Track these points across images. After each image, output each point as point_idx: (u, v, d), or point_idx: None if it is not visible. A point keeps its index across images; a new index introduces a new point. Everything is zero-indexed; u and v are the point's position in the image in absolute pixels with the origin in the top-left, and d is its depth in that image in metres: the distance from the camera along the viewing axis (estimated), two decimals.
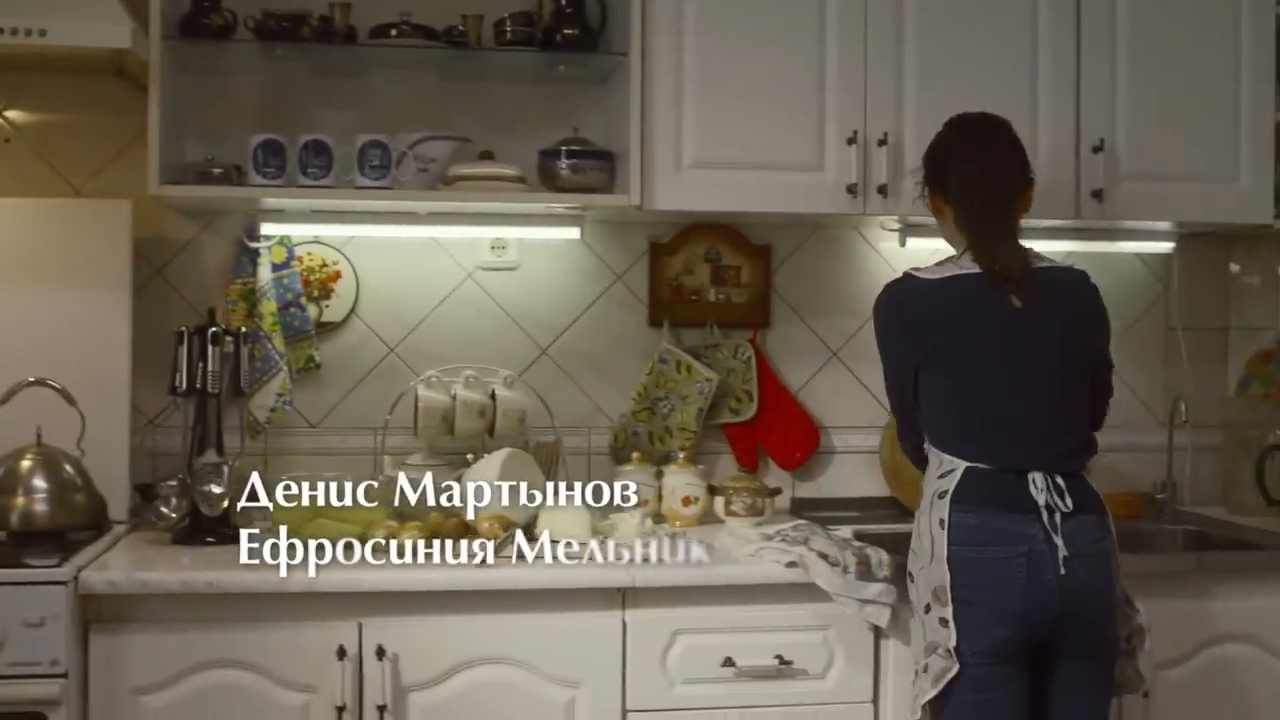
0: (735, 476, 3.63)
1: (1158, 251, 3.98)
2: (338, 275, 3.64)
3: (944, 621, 2.65)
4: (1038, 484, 2.70)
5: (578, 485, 3.35)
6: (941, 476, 2.75)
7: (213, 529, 3.18)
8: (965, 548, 2.67)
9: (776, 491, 3.62)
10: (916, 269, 2.87)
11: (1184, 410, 3.85)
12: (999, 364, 2.75)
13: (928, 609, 2.70)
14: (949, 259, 2.87)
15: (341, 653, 2.87)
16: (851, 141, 3.35)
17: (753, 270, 3.79)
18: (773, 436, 3.78)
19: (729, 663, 3.01)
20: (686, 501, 3.53)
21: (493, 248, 3.68)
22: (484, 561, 2.96)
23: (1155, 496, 3.88)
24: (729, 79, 3.34)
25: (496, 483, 3.18)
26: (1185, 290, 4.04)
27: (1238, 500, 3.86)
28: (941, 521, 2.69)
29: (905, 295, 2.84)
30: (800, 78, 3.35)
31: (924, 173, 2.96)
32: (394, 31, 3.41)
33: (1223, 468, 3.98)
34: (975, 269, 2.79)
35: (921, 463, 2.88)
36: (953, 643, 2.64)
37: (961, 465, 2.72)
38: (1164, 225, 3.75)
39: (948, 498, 2.71)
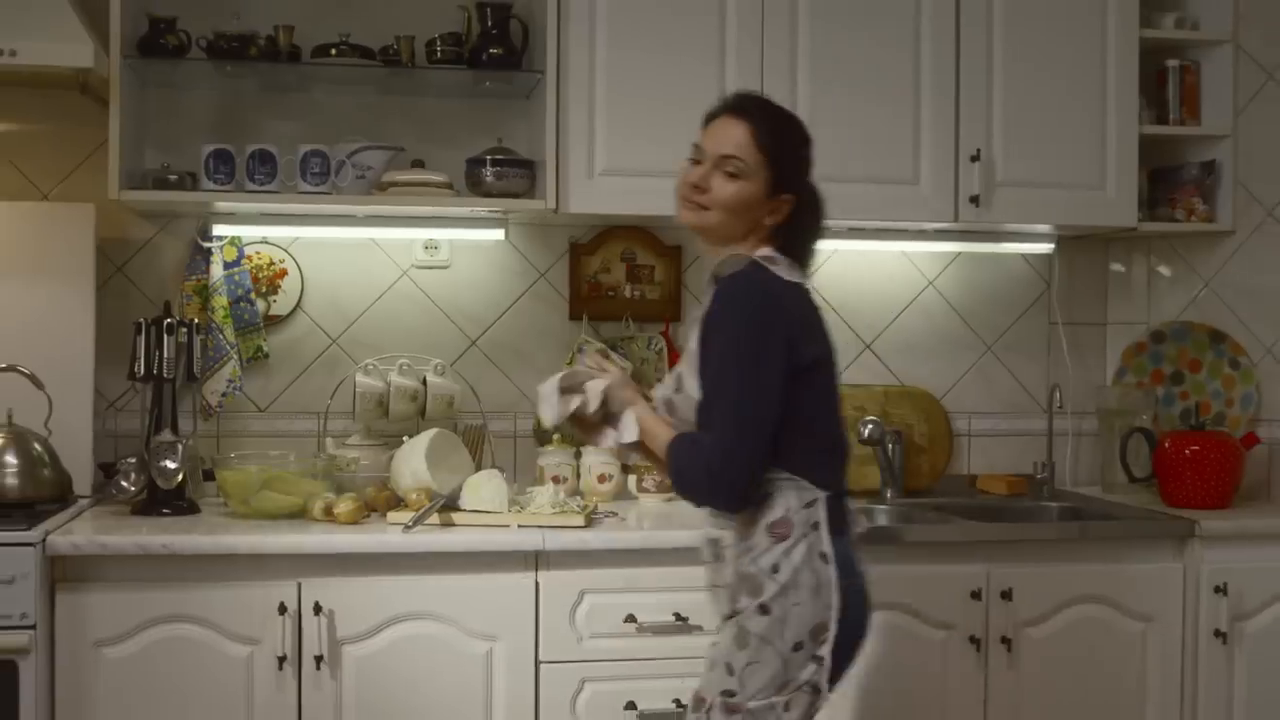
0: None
1: (1040, 252, 4.33)
2: (284, 273, 3.96)
3: (819, 659, 2.58)
4: (852, 509, 2.73)
5: (501, 464, 3.70)
6: (807, 506, 2.60)
7: (168, 501, 3.51)
8: (850, 580, 2.62)
9: None
10: (770, 262, 2.67)
11: (1059, 397, 4.22)
12: (837, 386, 2.72)
13: (798, 647, 2.57)
14: (777, 262, 2.68)
15: (282, 609, 3.21)
16: None
17: (665, 269, 4.13)
18: None
19: (631, 619, 3.35)
20: (602, 479, 3.87)
21: (426, 248, 4.01)
22: (410, 527, 3.31)
23: (1036, 477, 4.23)
24: (636, 94, 3.67)
25: (423, 459, 3.51)
26: (1066, 288, 4.39)
27: (1110, 479, 4.21)
28: (824, 555, 2.59)
29: (782, 294, 2.63)
30: (701, 91, 3.66)
31: (779, 164, 2.68)
32: (334, 51, 3.75)
33: (1099, 450, 4.33)
34: (803, 280, 2.71)
35: (745, 491, 2.60)
36: (824, 679, 2.59)
37: (822, 494, 2.62)
38: (1042, 228, 4.10)
39: (823, 529, 2.60)
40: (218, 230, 3.85)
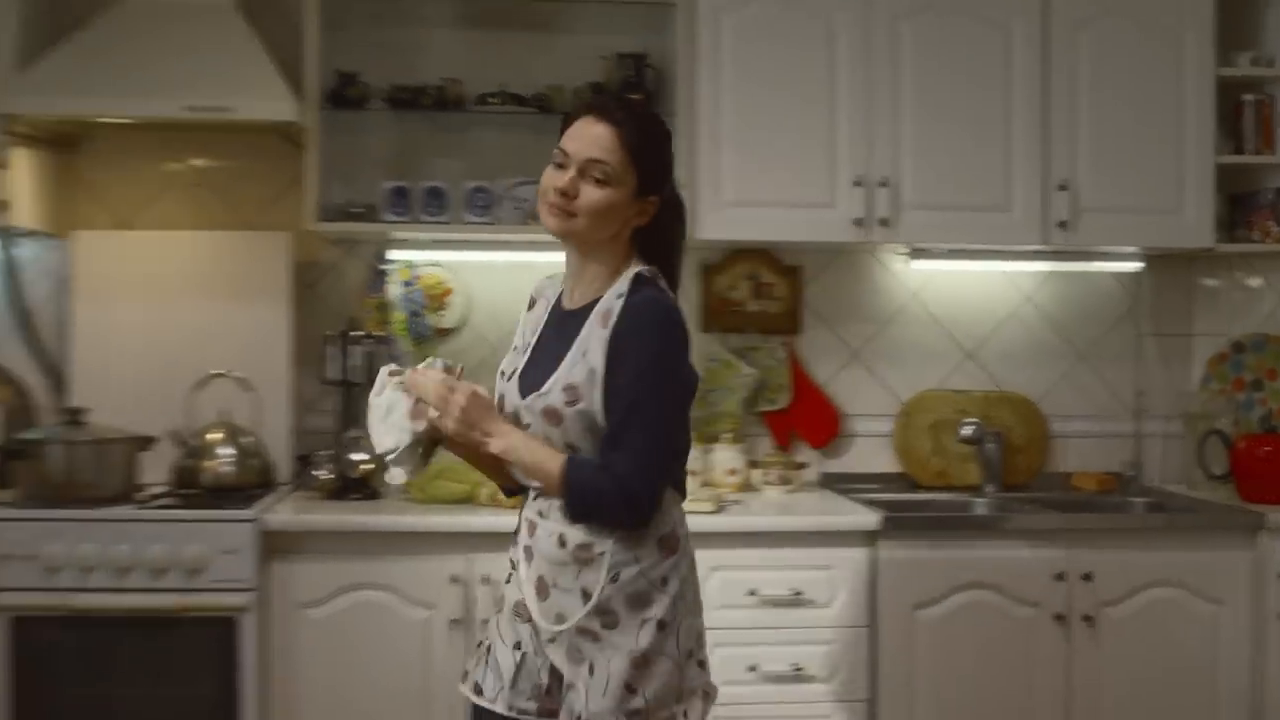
0: (770, 453, 4.49)
1: (1128, 270, 4.74)
2: (451, 291, 4.53)
3: (702, 664, 2.67)
4: None
5: None
6: (681, 520, 2.67)
7: (356, 488, 4.09)
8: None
9: (804, 465, 4.48)
10: (657, 278, 2.65)
11: (1144, 402, 4.64)
12: None
13: (690, 655, 2.63)
14: (651, 277, 2.64)
15: (454, 579, 3.77)
16: (857, 184, 4.18)
17: (786, 286, 4.62)
18: (803, 421, 4.61)
19: (753, 593, 3.86)
20: (730, 472, 4.37)
21: None
22: None
23: (1124, 475, 4.65)
24: (758, 132, 4.17)
25: None
26: (1154, 302, 4.79)
27: (1193, 478, 4.62)
28: (693, 565, 2.69)
29: (680, 315, 2.62)
30: (816, 132, 4.18)
31: (645, 166, 2.62)
32: (494, 99, 4.31)
33: (1184, 451, 4.74)
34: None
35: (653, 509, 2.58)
36: (710, 678, 2.69)
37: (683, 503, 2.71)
38: (1127, 248, 4.52)
39: (689, 541, 2.69)
40: (394, 255, 4.43)
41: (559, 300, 2.76)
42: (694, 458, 4.29)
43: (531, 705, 2.67)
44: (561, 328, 2.67)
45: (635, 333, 2.53)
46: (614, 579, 2.57)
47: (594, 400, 2.53)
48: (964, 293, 4.70)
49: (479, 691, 2.71)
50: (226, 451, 4.05)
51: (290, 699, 3.77)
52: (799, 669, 3.84)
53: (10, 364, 4.38)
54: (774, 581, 3.86)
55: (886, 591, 3.89)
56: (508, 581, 2.75)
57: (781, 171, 4.17)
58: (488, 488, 3.97)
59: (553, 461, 2.56)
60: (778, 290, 4.62)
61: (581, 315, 2.63)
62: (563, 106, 4.32)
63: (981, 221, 4.25)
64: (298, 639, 3.77)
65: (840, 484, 4.54)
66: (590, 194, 2.59)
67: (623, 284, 2.61)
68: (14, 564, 3.68)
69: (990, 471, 4.53)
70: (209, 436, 4.10)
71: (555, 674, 2.65)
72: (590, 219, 2.60)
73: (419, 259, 4.47)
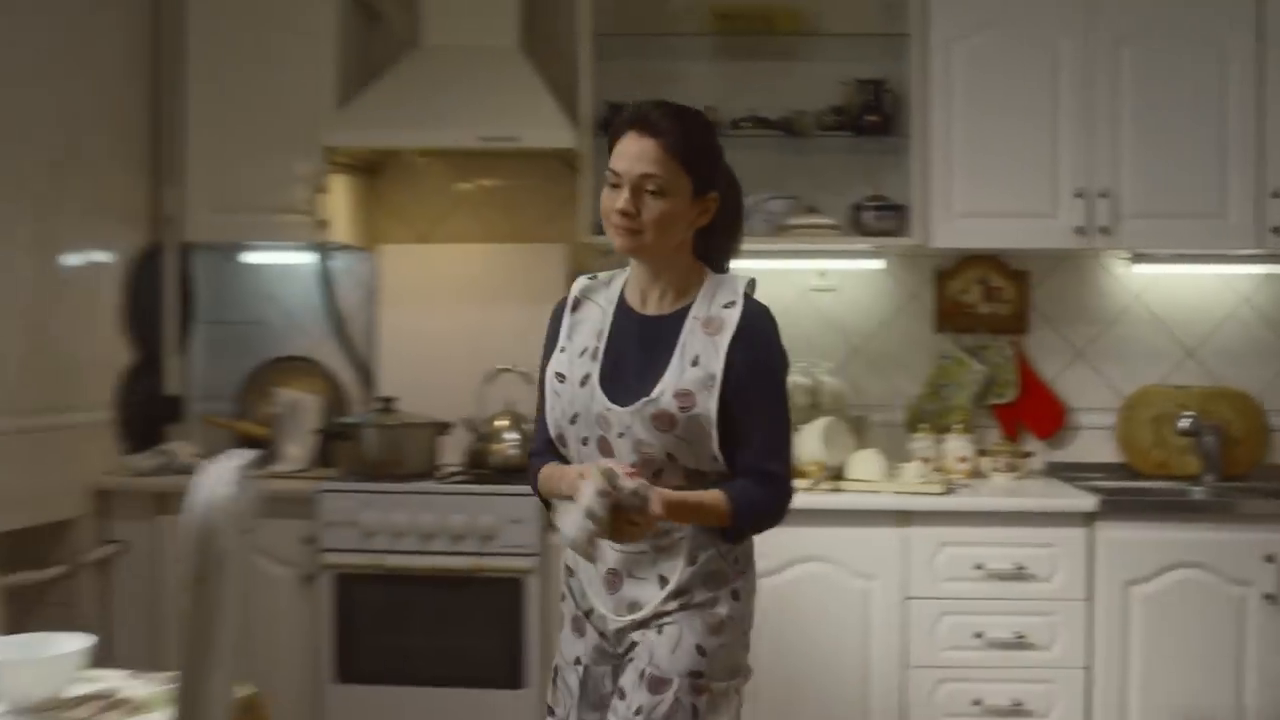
0: (998, 443, 4.87)
1: None
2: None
3: (747, 646, 2.83)
4: None
5: (878, 445, 4.67)
6: None
7: None
8: None
9: (1030, 454, 4.85)
10: (753, 286, 2.80)
11: None
12: None
13: (746, 633, 2.80)
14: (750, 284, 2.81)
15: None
16: (1079, 195, 4.54)
17: (1015, 289, 5.00)
18: (1029, 414, 4.98)
19: (979, 567, 4.26)
20: (960, 460, 4.77)
21: (819, 275, 5.01)
22: (809, 490, 4.32)
23: None
24: (986, 151, 4.57)
25: (820, 440, 4.51)
26: None
27: None
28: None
29: None
30: (1039, 149, 4.56)
31: (696, 167, 2.72)
32: (745, 123, 4.81)
33: None
34: None
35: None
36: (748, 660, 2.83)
37: None
38: None
39: None
40: None
41: (625, 305, 2.80)
42: (927, 446, 4.75)
43: (597, 716, 2.77)
44: (646, 334, 2.74)
45: (763, 344, 2.68)
46: (692, 562, 2.69)
47: (709, 406, 2.62)
48: (1184, 294, 4.99)
49: (552, 713, 2.84)
50: (512, 436, 4.63)
51: None
52: (1021, 637, 4.23)
53: (327, 361, 5.08)
54: (998, 557, 4.25)
55: (1103, 568, 4.24)
56: (562, 599, 2.88)
57: (1007, 185, 4.56)
58: None
59: (713, 500, 2.63)
60: (1006, 293, 5.00)
61: (673, 322, 2.72)
62: (805, 129, 4.80)
63: (1198, 228, 4.56)
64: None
65: (1064, 472, 4.88)
66: (651, 208, 2.65)
67: (725, 293, 2.72)
68: (337, 530, 4.33)
69: (1209, 462, 4.82)
70: (496, 423, 4.68)
71: (617, 680, 2.75)
72: (656, 232, 2.66)
73: None
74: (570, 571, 2.82)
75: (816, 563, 4.28)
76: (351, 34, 4.87)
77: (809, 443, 4.50)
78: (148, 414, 4.95)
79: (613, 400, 2.67)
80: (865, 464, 4.47)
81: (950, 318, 5.01)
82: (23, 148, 4.22)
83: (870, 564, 4.28)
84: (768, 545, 4.21)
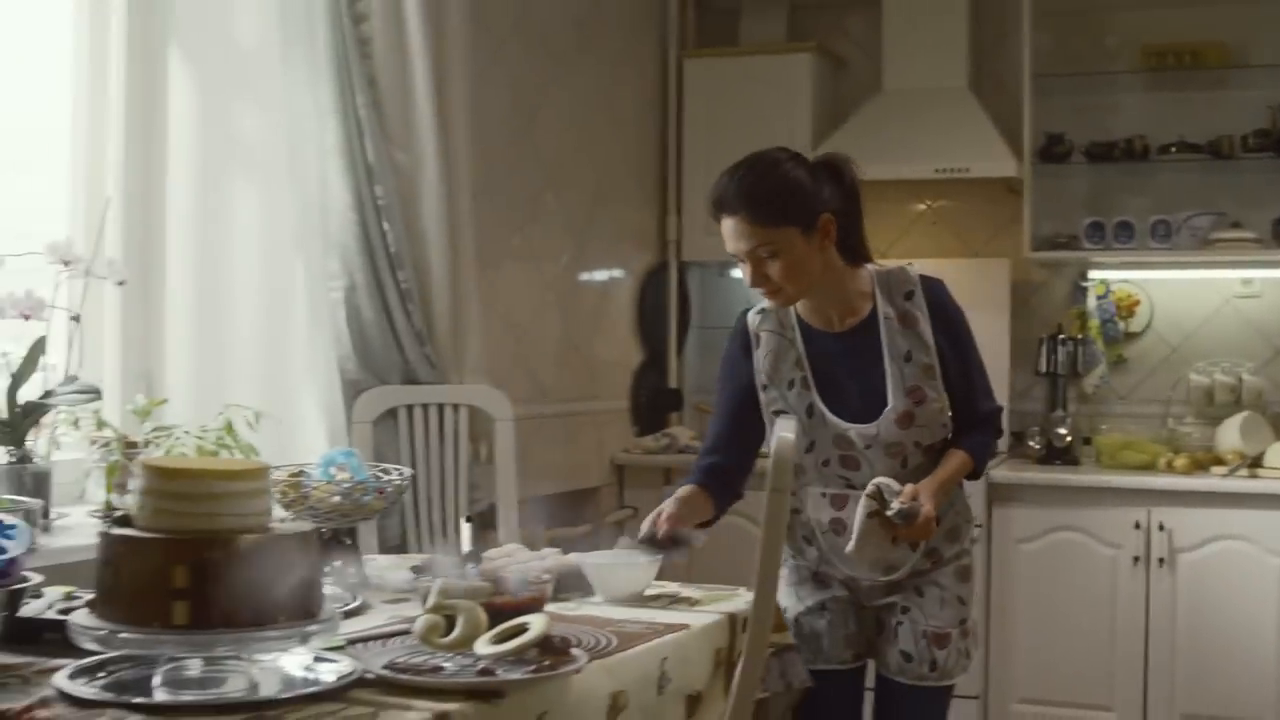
0: None
1: None
2: (1138, 303, 5.61)
3: None
4: None
5: None
6: None
7: (1059, 455, 5.29)
8: None
9: None
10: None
11: None
12: None
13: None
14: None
15: (1136, 525, 4.90)
16: None
17: None
18: None
19: None
20: None
21: (1242, 283, 5.50)
22: (1227, 475, 4.87)
23: None
24: None
25: (1237, 432, 5.04)
26: None
27: None
28: None
29: None
30: None
31: (791, 214, 2.83)
32: (1173, 149, 5.38)
33: None
34: None
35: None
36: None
37: None
38: None
39: None
40: (1091, 274, 5.59)
41: (810, 330, 2.98)
42: None
43: (848, 654, 3.09)
44: (847, 349, 2.96)
45: (952, 315, 2.98)
46: (937, 522, 2.89)
47: (938, 389, 2.92)
48: None
49: (807, 661, 2.99)
50: None
51: (1005, 610, 5.05)
52: None
53: None
54: None
55: None
56: (794, 556, 3.10)
57: None
58: (1164, 457, 5.06)
59: (959, 464, 2.96)
60: None
61: (866, 330, 2.95)
62: (1231, 151, 5.31)
63: None
64: (1013, 566, 5.04)
65: None
66: (774, 268, 2.82)
67: (898, 285, 2.95)
68: None
69: None
70: None
71: (863, 621, 3.08)
72: (794, 282, 2.84)
73: (1112, 277, 5.60)
74: (806, 540, 3.05)
75: (1235, 540, 4.82)
76: (822, 82, 5.75)
77: (1228, 434, 5.05)
78: (654, 403, 5.97)
79: (850, 420, 2.92)
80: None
81: None
82: (567, 190, 5.30)
83: None
84: (1189, 524, 4.84)
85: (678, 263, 6.03)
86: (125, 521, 2.15)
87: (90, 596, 2.18)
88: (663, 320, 6.03)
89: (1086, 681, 4.95)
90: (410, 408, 4.07)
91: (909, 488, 2.83)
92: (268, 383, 3.73)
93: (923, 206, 5.90)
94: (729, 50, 5.94)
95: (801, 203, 2.83)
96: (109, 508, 3.24)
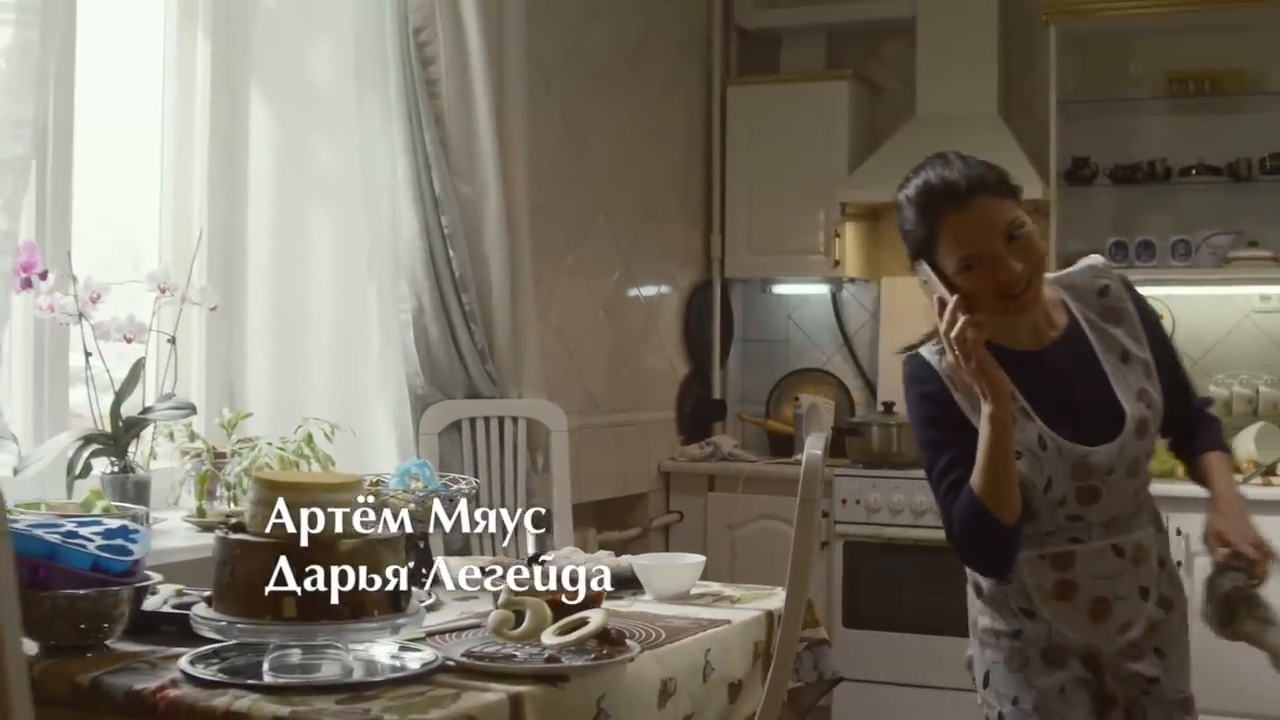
0: None
1: None
2: (1161, 317, 5.84)
3: None
4: None
5: None
6: None
7: None
8: None
9: None
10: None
11: None
12: None
13: None
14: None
15: None
16: None
17: None
18: None
19: None
20: None
21: (1261, 299, 5.76)
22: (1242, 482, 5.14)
23: None
24: None
25: (1252, 440, 5.30)
26: None
27: None
28: None
29: None
30: None
31: (1009, 176, 2.54)
32: (1193, 170, 5.64)
33: None
34: None
35: None
36: None
37: None
38: None
39: None
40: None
41: (1005, 353, 2.50)
42: None
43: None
44: (1053, 366, 2.57)
45: (1147, 305, 2.65)
46: (1162, 565, 2.66)
47: (1158, 387, 2.58)
48: None
49: None
50: None
51: None
52: None
53: (838, 372, 6.27)
54: None
55: None
56: (1012, 636, 2.65)
57: None
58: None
59: (1227, 470, 2.70)
60: None
61: (1072, 337, 2.58)
62: (1249, 173, 5.57)
63: None
64: None
65: None
66: (1027, 252, 2.44)
67: (1084, 280, 2.64)
68: (848, 506, 5.50)
69: None
70: None
71: (1105, 699, 2.65)
72: (1038, 270, 2.49)
73: None
74: (1026, 613, 2.63)
75: None
76: (859, 108, 6.05)
77: (1244, 443, 5.31)
78: (698, 413, 6.28)
79: (1097, 441, 2.51)
80: None
81: None
82: (617, 211, 5.63)
83: None
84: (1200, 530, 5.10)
85: (721, 279, 6.34)
86: (239, 528, 2.47)
87: (204, 593, 2.50)
88: (707, 334, 6.34)
89: None
90: (473, 420, 4.39)
91: (1213, 535, 2.58)
92: (342, 397, 4.08)
93: None
94: (770, 78, 6.26)
95: (1007, 172, 2.54)
96: (201, 513, 3.58)
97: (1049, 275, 2.62)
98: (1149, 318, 2.64)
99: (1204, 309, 5.82)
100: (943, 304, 2.45)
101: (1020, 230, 2.45)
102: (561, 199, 5.24)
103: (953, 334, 2.41)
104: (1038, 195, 5.52)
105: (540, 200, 4.86)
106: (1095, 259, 2.72)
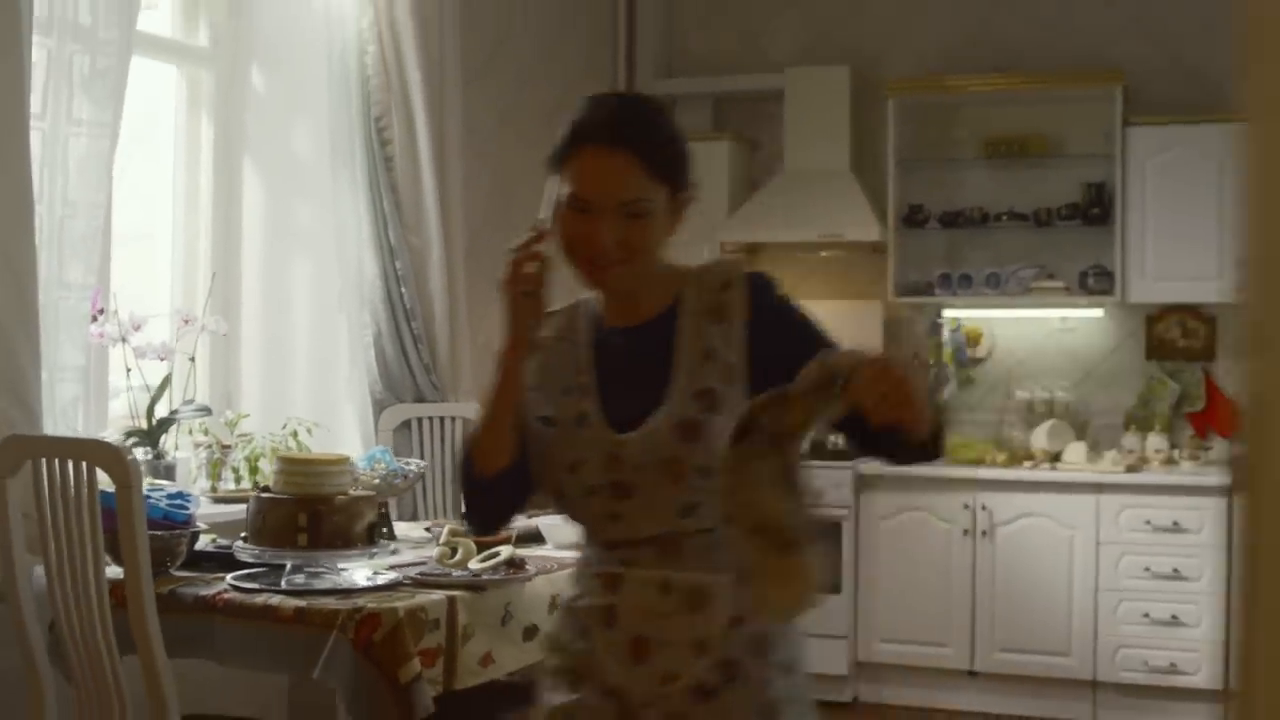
0: (1189, 440, 6.84)
1: None
2: (982, 335, 7.18)
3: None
4: None
5: None
6: None
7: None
8: None
9: (1209, 448, 6.81)
10: None
11: None
12: None
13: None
14: None
15: (965, 505, 6.49)
16: (1240, 263, 6.44)
17: (1205, 329, 6.93)
18: (1215, 420, 6.90)
19: (1148, 522, 6.28)
20: (1157, 451, 6.76)
21: (1060, 321, 7.07)
22: (1034, 468, 6.46)
23: None
24: (1174, 231, 6.59)
25: (1045, 435, 6.62)
26: None
27: None
28: None
29: None
30: (1208, 228, 6.53)
31: (675, 174, 2.28)
32: (1004, 217, 6.97)
33: None
34: None
35: None
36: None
37: None
38: None
39: None
40: (945, 313, 7.16)
41: (605, 326, 2.38)
42: (1135, 441, 6.82)
43: None
44: (632, 346, 2.33)
45: (787, 304, 2.33)
46: (735, 623, 2.22)
47: (740, 396, 2.20)
48: None
49: None
50: None
51: (869, 571, 6.62)
52: (1176, 571, 6.23)
53: None
54: (1162, 516, 6.27)
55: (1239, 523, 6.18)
56: (555, 650, 2.40)
57: (1187, 256, 6.55)
58: (991, 455, 6.65)
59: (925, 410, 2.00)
60: (1199, 332, 6.93)
61: (661, 325, 2.31)
62: (1049, 220, 6.90)
63: None
64: (875, 538, 6.62)
65: None
66: (640, 235, 2.24)
67: (713, 277, 2.34)
68: None
69: None
70: None
71: None
72: (647, 256, 2.27)
73: (961, 315, 7.18)
74: (576, 633, 2.35)
75: (1039, 518, 6.40)
76: (738, 163, 7.33)
77: (1038, 437, 6.64)
78: None
79: (624, 429, 2.25)
80: (1075, 452, 6.56)
81: (1157, 349, 6.97)
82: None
83: (1073, 519, 6.35)
84: (1005, 505, 6.44)
85: None
86: (266, 489, 3.71)
87: (240, 536, 3.73)
88: None
89: (930, 624, 6.53)
90: (420, 419, 5.62)
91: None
92: (318, 402, 5.32)
93: (813, 259, 7.45)
94: None
95: (686, 161, 2.31)
96: (213, 489, 4.80)
97: (709, 262, 2.48)
98: (780, 320, 2.31)
99: (1016, 328, 7.14)
100: (538, 228, 2.29)
101: (638, 211, 2.23)
102: (490, 240, 6.44)
103: (515, 255, 2.29)
104: (876, 238, 6.82)
105: (472, 245, 6.08)
106: (732, 258, 3.00)
